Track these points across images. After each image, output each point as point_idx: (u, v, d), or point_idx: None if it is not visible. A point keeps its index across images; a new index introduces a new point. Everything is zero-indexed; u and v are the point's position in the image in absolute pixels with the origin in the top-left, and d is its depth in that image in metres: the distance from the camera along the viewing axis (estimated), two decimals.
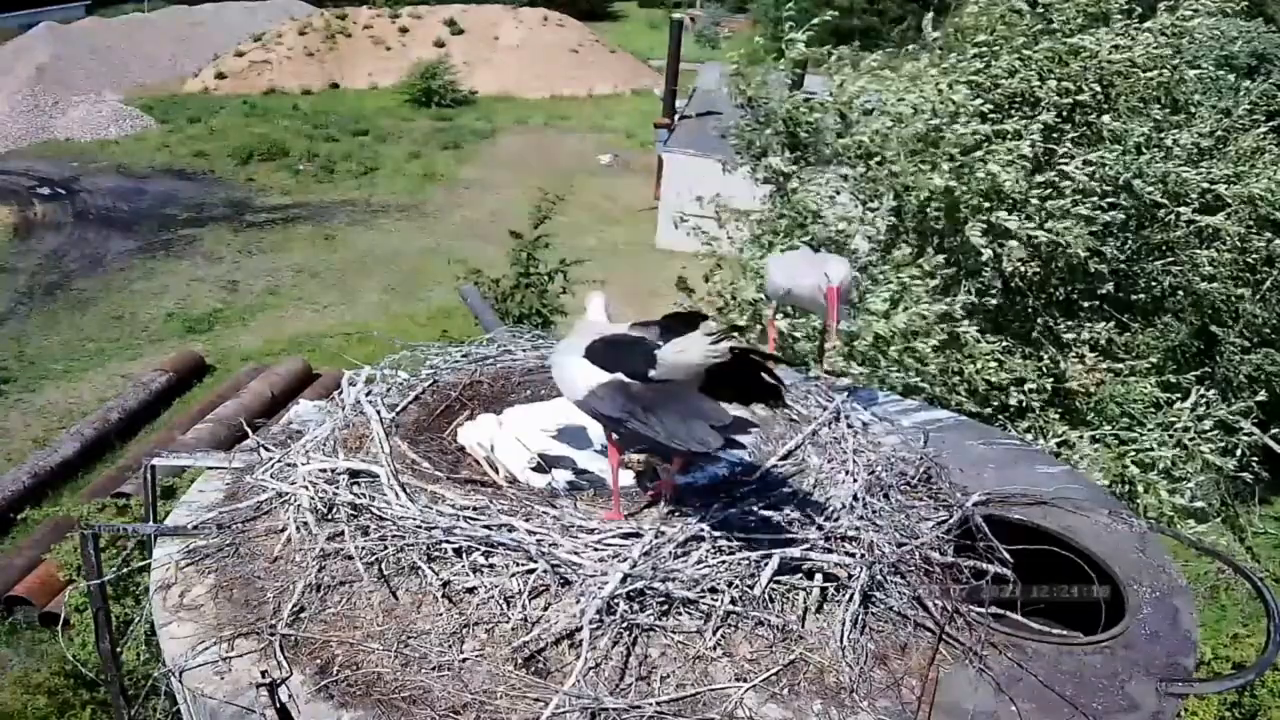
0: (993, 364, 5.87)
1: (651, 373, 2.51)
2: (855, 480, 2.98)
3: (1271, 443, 5.97)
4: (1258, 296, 7.33)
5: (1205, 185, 6.71)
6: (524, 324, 8.34)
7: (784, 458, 3.14)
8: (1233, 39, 11.66)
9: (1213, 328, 7.42)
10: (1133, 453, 5.66)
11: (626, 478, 3.07)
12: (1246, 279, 7.20)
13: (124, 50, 28.04)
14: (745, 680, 2.38)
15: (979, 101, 6.37)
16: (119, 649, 3.62)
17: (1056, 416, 6.10)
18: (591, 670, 2.37)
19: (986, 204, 6.00)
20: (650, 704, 2.29)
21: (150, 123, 24.19)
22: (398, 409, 3.42)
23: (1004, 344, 6.26)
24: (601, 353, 2.62)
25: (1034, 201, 6.08)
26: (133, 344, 13.96)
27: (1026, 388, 6.00)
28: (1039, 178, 6.15)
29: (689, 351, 2.48)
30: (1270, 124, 7.72)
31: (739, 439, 2.65)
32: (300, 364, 12.20)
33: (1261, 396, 6.60)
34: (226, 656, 2.53)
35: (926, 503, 3.08)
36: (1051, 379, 6.21)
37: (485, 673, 2.38)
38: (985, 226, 5.95)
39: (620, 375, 2.55)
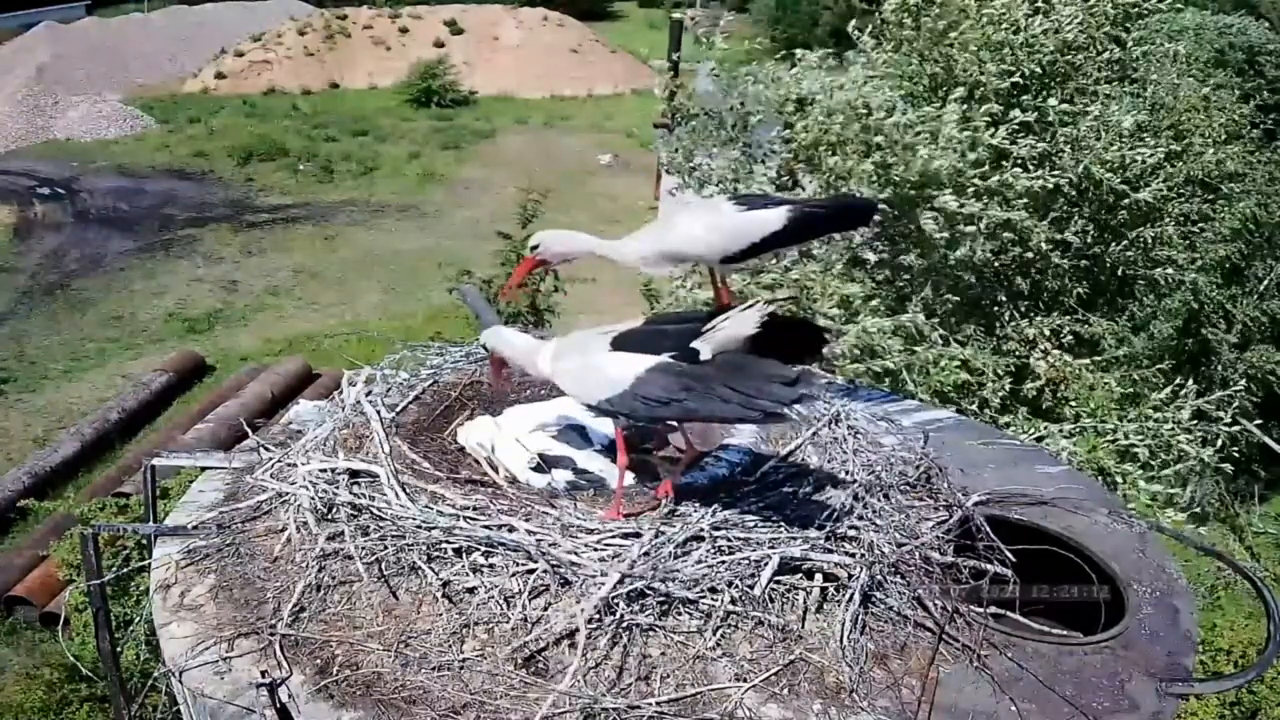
0: (955, 365, 5.77)
1: (702, 352, 2.49)
2: (855, 480, 2.98)
3: (1270, 441, 5.96)
4: (1254, 294, 7.29)
5: (1149, 160, 6.58)
6: (515, 323, 8.34)
7: (784, 458, 3.14)
8: (1222, 29, 11.55)
9: (1205, 330, 7.38)
10: (1105, 444, 5.62)
11: (628, 478, 3.07)
12: (1211, 265, 7.11)
13: (124, 50, 28.02)
14: (745, 680, 2.38)
15: (900, 92, 6.32)
16: (119, 649, 3.62)
17: (1027, 412, 6.05)
18: (591, 670, 2.37)
19: (929, 190, 5.93)
20: (650, 704, 2.29)
21: (150, 123, 24.17)
22: (398, 409, 3.41)
23: (971, 339, 6.19)
24: (635, 343, 2.59)
25: (976, 182, 6.01)
26: (133, 344, 13.95)
27: (990, 386, 5.92)
28: (971, 156, 6.07)
29: (735, 323, 2.47)
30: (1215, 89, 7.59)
31: (808, 392, 2.51)
32: (300, 364, 12.18)
33: (1248, 400, 6.56)
34: (226, 656, 2.52)
35: (926, 503, 3.08)
36: (1010, 376, 6.14)
37: (485, 673, 2.38)
38: (935, 214, 5.89)
39: (666, 358, 2.52)
